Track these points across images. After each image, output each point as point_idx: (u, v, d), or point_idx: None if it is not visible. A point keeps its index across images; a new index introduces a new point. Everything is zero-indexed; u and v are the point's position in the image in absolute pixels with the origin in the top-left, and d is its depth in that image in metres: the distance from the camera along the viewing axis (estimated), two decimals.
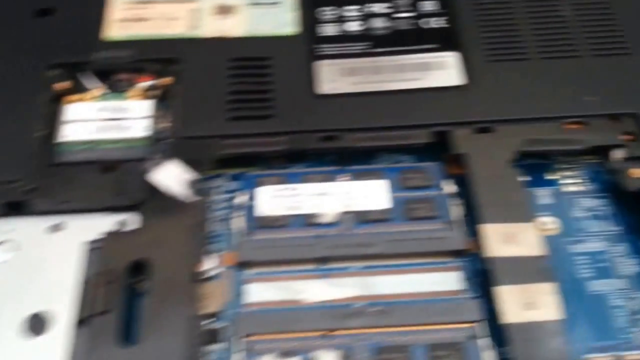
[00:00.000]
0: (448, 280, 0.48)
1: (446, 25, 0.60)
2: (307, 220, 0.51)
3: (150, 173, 0.50)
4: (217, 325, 0.46)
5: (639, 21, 0.60)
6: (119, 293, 0.45)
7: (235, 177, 0.54)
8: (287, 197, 0.51)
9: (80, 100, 0.56)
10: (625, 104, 0.54)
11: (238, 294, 0.48)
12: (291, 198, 0.51)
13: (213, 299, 0.47)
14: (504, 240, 0.47)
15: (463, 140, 0.52)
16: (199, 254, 0.47)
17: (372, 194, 0.52)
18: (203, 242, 0.48)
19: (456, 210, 0.51)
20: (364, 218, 0.51)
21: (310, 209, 0.51)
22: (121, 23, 0.60)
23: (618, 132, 0.53)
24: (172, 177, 0.50)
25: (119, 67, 0.58)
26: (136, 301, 0.46)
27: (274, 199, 0.51)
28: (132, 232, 0.48)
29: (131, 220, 0.49)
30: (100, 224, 0.49)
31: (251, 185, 0.52)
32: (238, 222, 0.50)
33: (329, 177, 0.53)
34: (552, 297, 0.45)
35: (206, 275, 0.48)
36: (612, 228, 0.51)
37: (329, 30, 0.60)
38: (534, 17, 0.60)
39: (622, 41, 0.58)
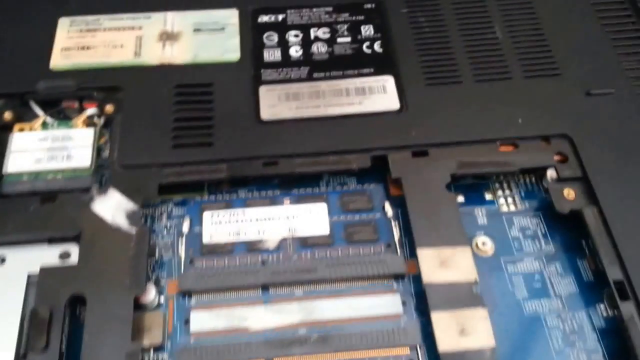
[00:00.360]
0: (389, 303, 0.47)
1: (383, 50, 0.58)
2: (250, 247, 0.48)
3: (91, 203, 0.47)
4: (158, 358, 0.43)
5: (568, 42, 0.58)
6: (58, 329, 0.42)
7: (179, 204, 0.51)
8: (231, 223, 0.49)
9: (25, 130, 0.53)
10: (557, 125, 0.52)
11: (181, 323, 0.45)
12: (235, 224, 0.49)
13: (154, 329, 0.44)
14: (438, 264, 0.45)
15: (399, 164, 0.51)
16: (140, 285, 0.44)
17: (314, 218, 0.50)
18: (144, 272, 0.45)
19: (397, 233, 0.48)
20: (305, 243, 0.49)
21: (253, 234, 0.50)
22: (67, 52, 0.57)
23: (551, 153, 0.51)
24: (113, 206, 0.47)
25: (63, 96, 0.55)
26: (77, 334, 0.43)
27: (218, 225, 0.49)
28: (70, 266, 0.45)
29: (73, 251, 0.45)
30: (42, 256, 0.46)
31: (195, 211, 0.50)
32: (181, 250, 0.47)
33: (273, 202, 0.51)
34: (486, 323, 0.43)
35: (149, 306, 0.44)
36: (546, 247, 0.49)
37: (271, 55, 0.58)
38: (468, 41, 0.59)
39: (553, 62, 0.57)
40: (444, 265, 0.45)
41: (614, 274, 0.45)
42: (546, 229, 0.50)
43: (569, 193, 0.49)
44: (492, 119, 0.54)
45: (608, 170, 0.50)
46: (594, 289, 0.47)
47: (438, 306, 0.44)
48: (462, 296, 0.45)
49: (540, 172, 0.52)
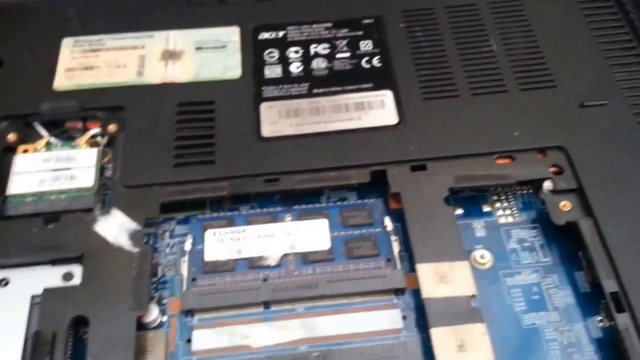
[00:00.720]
0: (389, 318, 0.46)
1: (381, 65, 0.57)
2: (252, 264, 0.47)
3: (94, 223, 0.46)
4: None
5: (563, 55, 0.57)
6: (61, 350, 0.42)
7: (182, 222, 0.50)
8: (233, 241, 0.48)
9: (29, 151, 0.53)
10: (552, 138, 0.51)
11: (183, 342, 0.44)
12: (237, 241, 0.48)
13: (157, 349, 0.43)
14: (437, 279, 0.44)
15: (398, 179, 0.50)
16: (142, 305, 0.43)
17: (315, 234, 0.49)
18: (147, 292, 0.44)
19: (397, 247, 0.47)
20: (307, 259, 0.48)
21: (255, 251, 0.49)
22: (70, 73, 0.57)
23: (546, 165, 0.50)
24: (116, 227, 0.46)
25: (66, 116, 0.54)
26: (80, 355, 0.43)
27: (220, 242, 0.48)
28: (73, 287, 0.44)
29: (76, 272, 0.45)
30: (45, 277, 0.45)
31: (198, 229, 0.49)
32: (184, 268, 0.46)
33: (274, 218, 0.50)
34: (484, 338, 0.42)
35: (151, 325, 0.43)
36: (544, 259, 0.48)
37: (272, 72, 0.57)
38: (464, 55, 0.58)
39: (548, 74, 0.56)
40: (442, 280, 0.44)
41: (609, 285, 0.44)
42: (544, 240, 0.49)
43: (565, 205, 0.48)
44: (489, 132, 0.53)
45: (603, 181, 0.49)
46: (591, 300, 0.46)
47: (437, 322, 0.43)
48: (460, 311, 0.44)
49: (537, 183, 0.50)
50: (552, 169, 0.51)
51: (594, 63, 0.57)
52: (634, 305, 0.43)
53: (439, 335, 0.43)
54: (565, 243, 0.49)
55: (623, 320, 0.43)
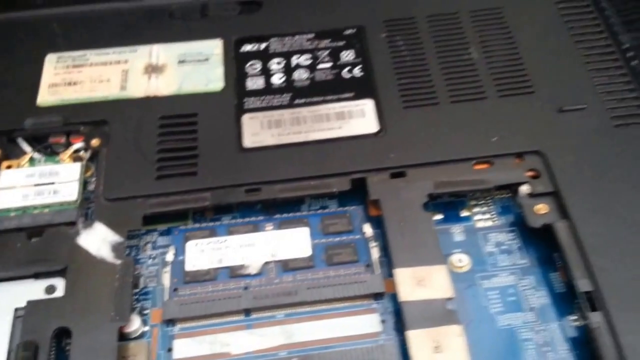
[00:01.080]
0: (368, 323, 0.48)
1: (362, 75, 0.58)
2: (233, 273, 0.48)
3: (77, 237, 0.48)
4: None
5: (542, 60, 0.59)
6: None
7: (164, 233, 0.52)
8: (214, 251, 0.50)
9: (12, 166, 0.54)
10: (530, 142, 0.53)
11: (165, 352, 0.46)
12: (218, 251, 0.50)
13: (139, 359, 0.44)
14: (415, 283, 0.45)
15: (377, 186, 0.52)
16: (124, 315, 0.45)
17: (296, 242, 0.51)
18: (129, 303, 0.46)
19: (376, 253, 0.49)
20: (287, 267, 0.50)
21: (236, 260, 0.50)
22: (54, 88, 0.59)
23: (524, 170, 0.52)
24: (98, 239, 0.48)
25: (50, 131, 0.56)
26: None
27: (202, 253, 0.50)
28: (56, 299, 0.45)
29: (59, 285, 0.46)
30: (29, 291, 0.47)
31: (180, 240, 0.51)
32: (165, 279, 0.48)
33: (256, 228, 0.52)
34: (460, 340, 0.43)
35: (133, 335, 0.45)
36: (521, 262, 0.50)
37: (254, 84, 0.59)
38: (445, 63, 0.60)
39: (527, 80, 0.58)
40: (420, 284, 0.46)
41: (583, 285, 0.46)
42: (521, 243, 0.50)
43: (542, 208, 0.50)
44: (468, 139, 0.54)
45: (579, 184, 0.51)
46: (566, 300, 0.48)
47: (413, 324, 0.45)
48: (437, 314, 0.45)
49: (515, 187, 0.52)
50: (529, 173, 0.52)
51: (572, 68, 0.59)
52: (607, 304, 0.45)
53: (415, 337, 0.44)
54: (542, 245, 0.50)
55: (596, 318, 0.44)
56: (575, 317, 0.47)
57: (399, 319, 0.46)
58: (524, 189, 0.51)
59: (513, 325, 0.47)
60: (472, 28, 0.62)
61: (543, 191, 0.51)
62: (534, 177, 0.52)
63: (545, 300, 0.48)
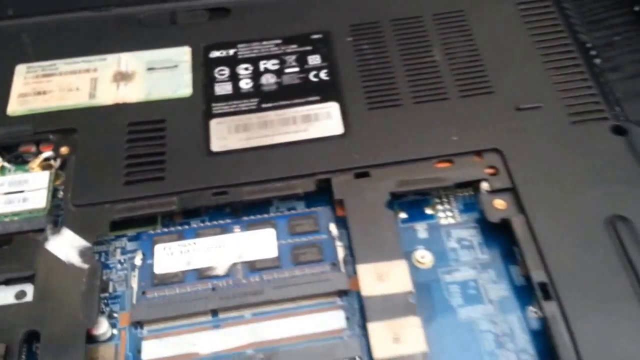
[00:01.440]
0: (333, 319, 0.49)
1: (329, 78, 0.60)
2: (201, 274, 0.50)
3: (46, 243, 0.49)
4: None
5: (501, 60, 0.61)
6: None
7: (133, 238, 0.53)
8: (182, 254, 0.51)
9: None
10: (489, 141, 0.55)
11: (133, 354, 0.47)
12: (187, 254, 0.51)
13: None
14: (376, 278, 0.47)
15: (341, 187, 0.53)
16: (92, 318, 0.46)
17: (263, 243, 0.52)
18: (96, 306, 0.47)
19: (342, 252, 0.50)
20: (254, 267, 0.51)
21: (204, 262, 0.51)
22: (23, 98, 0.60)
23: (483, 167, 0.53)
24: (66, 245, 0.49)
25: (20, 140, 0.57)
26: None
27: (170, 256, 0.51)
28: (25, 303, 0.47)
29: (29, 290, 0.48)
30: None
31: (148, 245, 0.52)
32: (134, 282, 0.49)
33: (224, 230, 0.53)
34: (418, 330, 0.45)
35: (101, 338, 0.46)
36: (482, 256, 0.51)
37: (222, 89, 0.60)
38: (409, 65, 0.61)
39: (487, 80, 0.59)
40: (381, 279, 0.47)
41: (538, 276, 0.47)
42: (482, 239, 0.52)
43: (500, 203, 0.51)
44: (430, 138, 0.56)
45: (535, 180, 0.52)
46: (525, 292, 0.49)
47: (374, 317, 0.46)
48: (397, 307, 0.47)
49: (476, 185, 0.53)
50: (488, 170, 0.54)
51: (531, 68, 0.60)
52: (560, 294, 0.46)
53: (375, 329, 0.46)
54: (502, 240, 0.52)
55: (550, 307, 0.46)
56: (534, 309, 0.48)
57: (363, 315, 0.47)
58: (484, 185, 0.53)
59: (473, 317, 0.49)
60: (436, 31, 0.64)
61: (501, 187, 0.53)
62: (493, 174, 0.53)
63: (505, 292, 0.50)
